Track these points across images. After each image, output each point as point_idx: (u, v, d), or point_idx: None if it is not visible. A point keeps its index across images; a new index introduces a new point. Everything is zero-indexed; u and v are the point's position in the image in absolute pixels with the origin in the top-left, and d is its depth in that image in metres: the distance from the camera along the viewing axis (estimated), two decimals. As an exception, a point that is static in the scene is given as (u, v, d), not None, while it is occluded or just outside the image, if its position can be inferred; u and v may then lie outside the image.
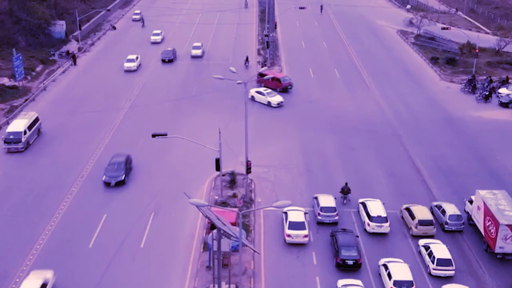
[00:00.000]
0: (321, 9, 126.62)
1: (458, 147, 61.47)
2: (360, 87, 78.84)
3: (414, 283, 38.24)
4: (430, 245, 42.09)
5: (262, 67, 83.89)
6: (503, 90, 74.26)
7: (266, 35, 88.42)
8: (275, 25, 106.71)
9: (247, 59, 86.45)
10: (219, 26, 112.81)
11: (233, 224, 42.19)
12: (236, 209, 43.87)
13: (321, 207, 46.55)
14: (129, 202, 49.49)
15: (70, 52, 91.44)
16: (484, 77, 79.33)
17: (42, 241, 44.12)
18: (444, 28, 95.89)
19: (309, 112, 70.16)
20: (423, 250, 42.70)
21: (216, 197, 50.24)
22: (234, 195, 50.47)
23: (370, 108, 71.40)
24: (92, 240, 44.27)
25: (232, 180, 52.17)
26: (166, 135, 47.32)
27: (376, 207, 46.20)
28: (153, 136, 47.37)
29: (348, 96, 75.00)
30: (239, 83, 49.22)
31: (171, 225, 46.42)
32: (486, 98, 72.94)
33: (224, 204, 49.00)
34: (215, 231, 39.92)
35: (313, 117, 68.60)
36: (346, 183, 49.16)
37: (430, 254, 41.41)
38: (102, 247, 43.47)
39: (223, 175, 53.54)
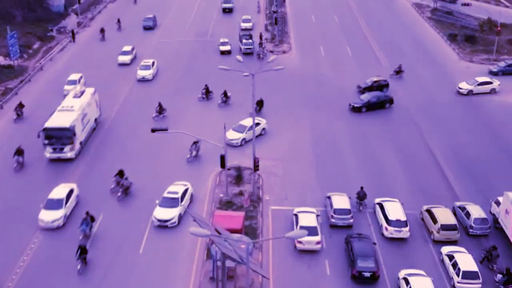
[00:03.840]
0: None
1: (480, 134, 57.36)
2: (373, 67, 74.20)
3: (438, 301, 34.81)
4: (455, 255, 38.46)
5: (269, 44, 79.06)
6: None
7: (274, 11, 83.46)
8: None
9: (260, 38, 79.08)
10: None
11: (239, 231, 38.67)
12: (242, 214, 40.37)
13: (335, 209, 42.89)
14: (128, 202, 45.97)
15: (73, 31, 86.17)
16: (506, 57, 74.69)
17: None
18: (465, 4, 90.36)
19: (319, 94, 65.93)
20: (446, 259, 39.11)
21: (221, 195, 46.63)
22: (241, 193, 46.84)
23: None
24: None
25: (238, 176, 48.48)
26: (166, 129, 43.50)
27: (394, 210, 42.49)
28: (153, 131, 43.56)
29: (360, 77, 70.51)
30: (246, 76, 44.99)
31: (172, 229, 42.93)
32: None
33: (229, 203, 45.41)
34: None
35: (323, 100, 64.44)
36: (362, 188, 45.26)
37: (455, 266, 37.85)
38: (97, 252, 40.16)
39: (228, 169, 49.94)
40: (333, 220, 42.86)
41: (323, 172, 50.54)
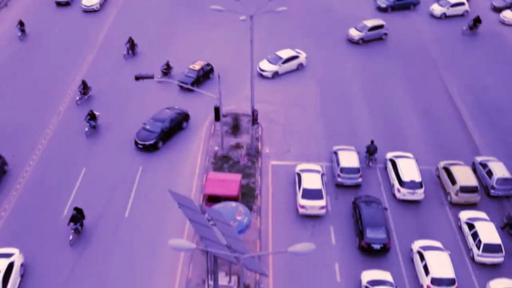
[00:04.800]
0: None
1: (506, 77, 51.99)
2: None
3: (456, 281, 31.00)
4: (475, 224, 34.38)
5: None
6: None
7: None
8: None
9: None
10: None
11: (235, 198, 34.53)
12: (239, 177, 36.07)
13: (342, 168, 38.51)
14: (113, 154, 41.66)
15: None
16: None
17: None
18: None
19: (325, 25, 59.93)
20: (465, 228, 35.12)
21: (216, 148, 42.16)
22: (238, 146, 42.35)
23: (400, 25, 60.81)
24: (66, 207, 37.01)
25: (235, 126, 43.77)
26: (152, 77, 38.31)
27: (408, 169, 38.08)
28: (137, 78, 38.45)
29: (373, 6, 64.11)
30: (243, 20, 38.99)
31: (162, 182, 38.84)
32: None
33: (225, 158, 41.03)
34: (217, 205, 32.56)
35: (329, 33, 58.53)
36: (372, 141, 40.48)
37: (475, 236, 33.89)
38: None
39: (224, 115, 45.29)
40: (339, 180, 38.62)
41: (330, 118, 45.79)
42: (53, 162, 40.53)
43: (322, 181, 37.40)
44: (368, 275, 31.48)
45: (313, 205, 35.97)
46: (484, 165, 39.58)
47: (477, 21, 57.82)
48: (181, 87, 48.35)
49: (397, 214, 37.03)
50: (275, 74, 50.94)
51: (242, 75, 50.81)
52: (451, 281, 30.83)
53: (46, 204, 37.04)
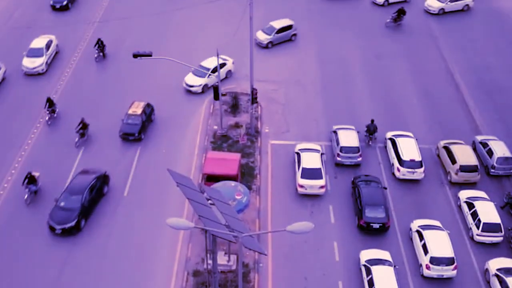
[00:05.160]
0: None
1: (508, 54, 51.56)
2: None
3: (455, 260, 31.01)
4: (475, 204, 34.30)
5: None
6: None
7: None
8: None
9: None
10: None
11: (234, 177, 34.43)
12: (238, 156, 35.94)
13: (342, 147, 38.33)
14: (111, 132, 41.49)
15: None
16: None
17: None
18: None
19: (325, 5, 59.29)
20: (465, 207, 35.06)
21: (215, 127, 41.96)
22: (237, 125, 42.13)
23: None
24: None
25: (234, 105, 43.49)
26: (150, 55, 37.94)
27: (408, 148, 37.92)
28: (135, 56, 38.05)
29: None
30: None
31: (161, 161, 38.73)
32: None
33: (224, 137, 40.84)
34: (216, 184, 32.41)
35: (330, 12, 57.89)
36: (372, 121, 40.23)
37: (475, 216, 33.84)
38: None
39: (223, 94, 44.99)
40: (339, 159, 38.47)
41: (330, 98, 45.50)
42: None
43: (322, 160, 37.26)
44: (366, 254, 31.51)
45: (313, 185, 35.87)
46: (484, 144, 39.40)
47: (401, 12, 54.45)
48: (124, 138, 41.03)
49: (396, 194, 36.96)
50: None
51: (242, 50, 50.38)
52: (450, 260, 30.84)
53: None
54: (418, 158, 37.29)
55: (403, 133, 39.88)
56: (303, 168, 36.36)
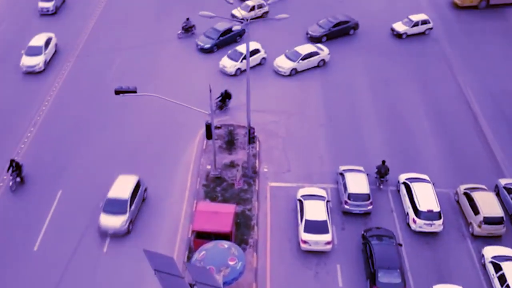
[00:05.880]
0: None
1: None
2: None
3: None
4: (503, 265, 30.04)
5: None
6: None
7: None
8: None
9: None
10: None
11: (228, 234, 30.16)
12: (233, 208, 31.64)
13: (350, 194, 34.04)
14: (94, 164, 37.19)
15: None
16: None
17: None
18: None
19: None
20: (491, 268, 30.78)
21: (208, 167, 37.64)
22: (232, 164, 37.82)
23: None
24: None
25: (230, 141, 39.17)
26: (135, 91, 33.57)
27: (425, 196, 33.63)
28: (117, 93, 33.69)
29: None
30: (241, 23, 33.87)
31: (145, 212, 34.44)
32: None
33: (218, 179, 36.55)
34: (207, 245, 28.20)
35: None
36: (384, 162, 35.97)
37: (503, 280, 29.57)
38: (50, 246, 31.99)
39: (218, 127, 40.76)
40: (347, 207, 34.19)
41: (335, 130, 41.24)
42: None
43: (327, 209, 33.00)
44: (380, 330, 27.31)
45: (317, 240, 31.59)
46: (509, 190, 35.13)
47: (227, 96, 42.07)
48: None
49: (412, 249, 32.67)
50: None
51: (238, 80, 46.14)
52: None
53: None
54: (436, 208, 33.02)
55: (418, 176, 35.61)
56: (306, 221, 32.07)
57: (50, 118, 41.75)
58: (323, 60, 47.68)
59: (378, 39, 51.96)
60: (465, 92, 45.37)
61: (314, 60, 47.28)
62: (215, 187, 35.98)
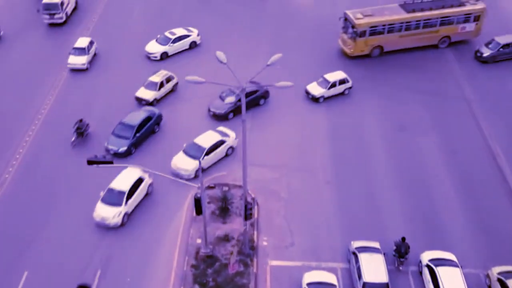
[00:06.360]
0: None
1: None
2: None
3: None
4: None
5: None
6: None
7: None
8: None
9: None
10: None
11: None
12: None
13: (365, 283, 28.77)
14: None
15: None
16: None
17: None
18: None
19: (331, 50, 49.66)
20: None
21: (199, 241, 32.34)
22: (226, 238, 32.53)
23: (428, 53, 50.70)
24: None
25: (223, 208, 33.88)
26: (111, 162, 28.23)
27: (453, 283, 28.44)
28: (89, 163, 28.40)
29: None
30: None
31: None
32: None
33: (209, 258, 31.26)
34: None
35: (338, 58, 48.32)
36: (404, 239, 30.75)
37: None
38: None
39: (211, 187, 35.58)
40: (362, 299, 28.97)
41: (344, 190, 36.02)
42: None
43: (339, 303, 27.81)
44: None
45: None
46: (552, 275, 29.93)
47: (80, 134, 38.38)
48: None
49: None
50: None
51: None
52: None
53: None
54: (467, 300, 27.89)
55: (443, 256, 30.39)
56: (314, 322, 26.87)
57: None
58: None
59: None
60: (491, 144, 40.21)
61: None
62: (205, 269, 30.70)
